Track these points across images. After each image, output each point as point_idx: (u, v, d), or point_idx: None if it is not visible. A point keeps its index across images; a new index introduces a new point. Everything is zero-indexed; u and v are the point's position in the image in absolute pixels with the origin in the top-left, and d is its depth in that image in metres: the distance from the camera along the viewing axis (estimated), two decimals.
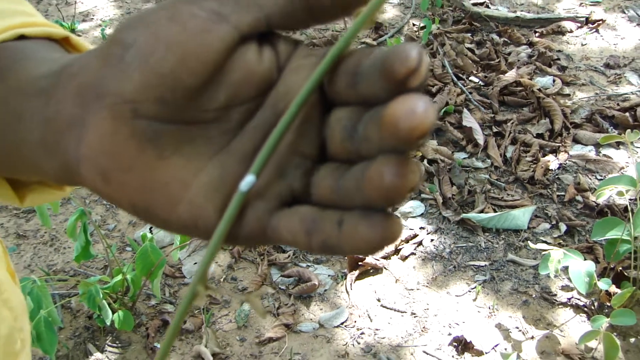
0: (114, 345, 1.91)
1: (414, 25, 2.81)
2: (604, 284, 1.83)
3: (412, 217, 2.23)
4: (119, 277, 1.84)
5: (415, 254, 2.13)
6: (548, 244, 2.05)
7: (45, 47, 0.45)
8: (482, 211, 2.19)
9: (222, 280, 2.08)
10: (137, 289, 1.91)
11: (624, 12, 2.98)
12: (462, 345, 1.86)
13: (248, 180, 0.33)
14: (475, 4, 2.87)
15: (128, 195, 0.36)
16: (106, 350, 1.89)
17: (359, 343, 1.88)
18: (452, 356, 1.85)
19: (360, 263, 2.07)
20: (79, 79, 0.36)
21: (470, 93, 2.51)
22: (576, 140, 2.46)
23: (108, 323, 1.80)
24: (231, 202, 0.34)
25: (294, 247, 0.40)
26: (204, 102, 0.35)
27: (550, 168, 2.28)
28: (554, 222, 2.18)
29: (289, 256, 2.09)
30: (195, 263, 2.12)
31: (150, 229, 2.24)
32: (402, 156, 0.30)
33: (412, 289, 2.02)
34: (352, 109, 0.33)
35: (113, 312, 1.82)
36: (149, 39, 0.34)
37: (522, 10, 2.86)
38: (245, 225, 0.35)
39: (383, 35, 2.77)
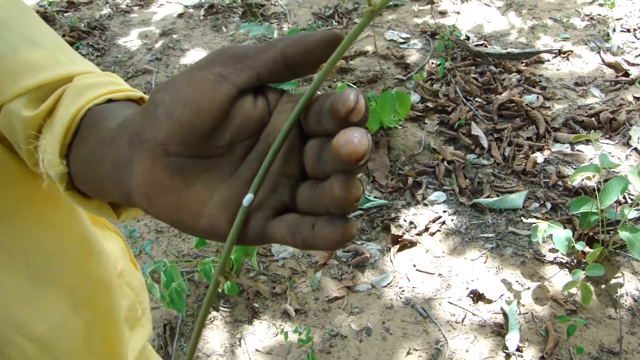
0: (225, 306, 2.11)
1: (432, 63, 2.99)
2: (579, 246, 1.99)
3: (437, 203, 2.37)
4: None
5: (440, 230, 2.28)
6: (537, 218, 2.20)
7: (123, 106, 0.46)
8: (488, 196, 2.33)
9: (300, 256, 2.24)
10: (239, 265, 2.09)
11: (587, 44, 3.14)
12: (476, 296, 2.02)
13: (248, 198, 0.36)
14: (477, 45, 3.04)
15: (165, 213, 0.39)
16: (220, 310, 2.09)
17: (400, 298, 2.05)
18: (470, 304, 2.01)
19: (399, 239, 2.22)
20: (129, 129, 0.40)
21: (476, 110, 2.68)
22: (556, 140, 2.58)
23: (220, 290, 1.98)
24: (238, 215, 0.36)
25: (286, 245, 0.40)
26: (215, 141, 0.38)
27: (537, 162, 2.43)
28: (541, 202, 2.31)
29: None
30: (281, 245, 2.23)
31: None
32: (350, 175, 0.33)
33: (439, 257, 2.19)
34: (319, 140, 0.36)
35: None
36: (172, 99, 0.37)
37: (511, 47, 3.04)
38: (250, 231, 0.38)
39: (410, 72, 2.95)
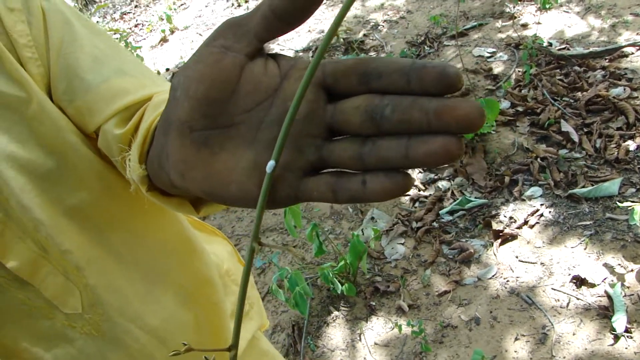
0: (345, 305, 2.09)
1: (518, 71, 2.85)
2: None
3: (533, 198, 2.23)
4: (342, 262, 2.03)
5: (538, 222, 2.14)
6: (634, 202, 2.01)
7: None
8: (583, 187, 2.17)
9: (410, 257, 2.17)
10: (354, 268, 2.07)
11: None
12: (579, 281, 1.88)
13: (270, 164, 0.33)
14: (559, 49, 2.86)
15: (197, 185, 0.38)
16: (340, 309, 2.08)
17: (505, 288, 1.95)
18: (573, 290, 1.88)
19: (501, 234, 2.11)
20: (162, 118, 0.40)
21: (564, 108, 2.50)
22: None
23: (339, 292, 1.96)
24: (264, 181, 0.34)
25: (321, 202, 0.38)
26: (232, 109, 0.36)
27: (630, 149, 2.22)
28: (638, 187, 2.11)
29: (451, 236, 2.19)
30: (393, 248, 2.24)
31: (361, 230, 2.46)
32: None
33: (539, 247, 2.06)
34: (367, 97, 0.33)
35: (341, 285, 1.98)
36: (186, 78, 0.36)
37: (593, 47, 2.82)
38: (281, 192, 0.35)
39: (499, 82, 2.82)
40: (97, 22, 6.09)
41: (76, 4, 6.19)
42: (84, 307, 0.56)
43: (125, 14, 6.28)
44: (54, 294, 0.54)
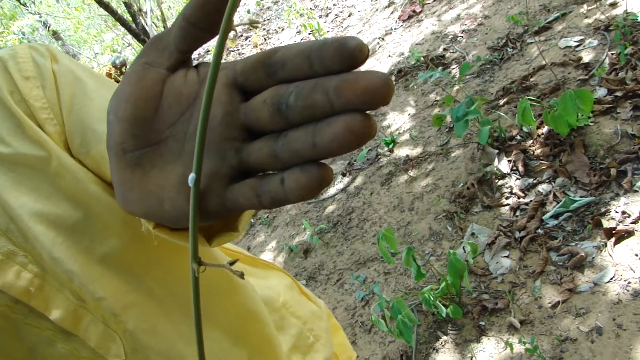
0: (453, 329, 1.98)
1: (612, 54, 2.63)
2: None
3: None
4: (443, 283, 1.94)
5: None
6: None
7: None
8: None
9: (517, 269, 2.02)
10: (457, 288, 1.96)
11: None
12: None
13: (191, 177, 0.32)
14: None
15: (136, 207, 0.37)
16: (449, 333, 1.97)
17: (627, 290, 1.75)
18: None
19: (614, 232, 1.91)
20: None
21: None
22: None
23: (444, 315, 1.86)
24: (191, 195, 0.33)
25: (251, 209, 0.34)
26: (158, 126, 0.36)
27: None
28: None
29: (559, 241, 2.02)
30: (497, 262, 2.11)
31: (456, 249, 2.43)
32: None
33: None
34: (274, 89, 0.32)
35: (446, 307, 1.89)
36: (115, 101, 0.36)
37: None
38: (209, 203, 0.34)
39: (591, 70, 2.61)
40: None
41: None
42: (127, 353, 0.56)
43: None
44: (97, 343, 0.54)
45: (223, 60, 0.39)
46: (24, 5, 9.99)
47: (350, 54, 0.28)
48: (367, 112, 0.29)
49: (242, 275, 0.33)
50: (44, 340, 0.52)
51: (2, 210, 0.50)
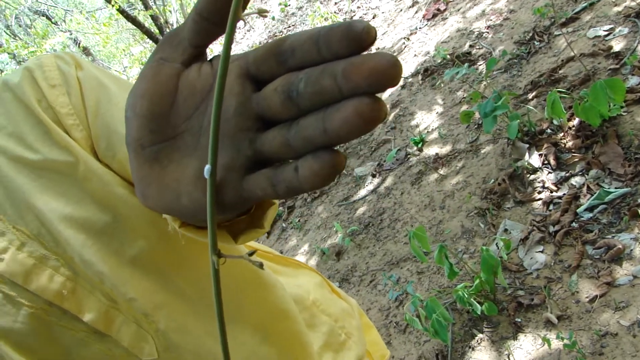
0: (489, 326, 1.95)
1: None
2: None
3: None
4: (477, 280, 1.91)
5: None
6: None
7: None
8: None
9: (552, 264, 1.99)
10: (491, 285, 1.93)
11: None
12: None
13: (206, 169, 0.32)
14: None
15: (155, 202, 0.38)
16: (484, 331, 1.94)
17: None
18: None
19: None
20: None
21: None
22: None
23: (479, 312, 1.83)
24: (207, 187, 0.33)
25: (267, 199, 0.34)
26: (174, 120, 0.36)
27: None
28: None
29: (594, 234, 1.97)
30: (531, 257, 2.07)
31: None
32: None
33: None
34: (285, 77, 0.32)
35: (481, 305, 1.86)
36: (132, 97, 0.37)
37: None
38: (226, 195, 0.34)
39: (622, 59, 2.56)
40: None
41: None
42: (159, 352, 0.57)
43: None
44: (130, 343, 0.55)
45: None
46: (55, 24, 10.25)
47: (356, 36, 0.28)
48: (377, 95, 0.28)
49: (261, 266, 0.33)
50: (78, 342, 0.53)
51: (33, 216, 0.51)
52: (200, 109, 0.36)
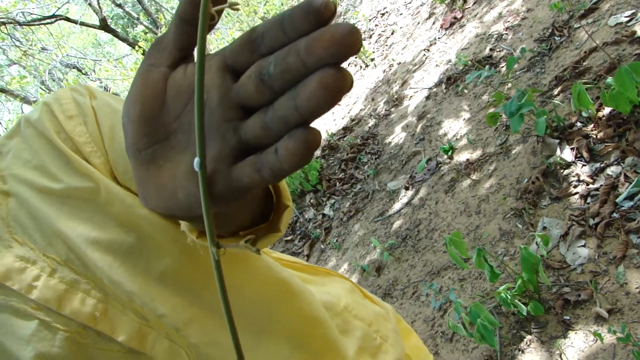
0: (536, 327, 1.90)
1: None
2: None
3: None
4: (519, 281, 1.88)
5: None
6: None
7: None
8: None
9: (596, 257, 1.93)
10: (534, 284, 1.89)
11: None
12: None
13: (195, 162, 0.33)
14: None
15: (154, 203, 0.39)
16: (533, 332, 1.90)
17: None
18: None
19: None
20: None
21: None
22: None
23: (525, 313, 1.79)
24: (199, 180, 0.34)
25: (256, 187, 0.33)
26: (166, 121, 0.38)
27: None
28: None
29: (637, 222, 1.91)
30: (574, 253, 2.02)
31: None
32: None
33: None
34: (257, 63, 0.33)
35: (526, 306, 1.83)
36: (126, 104, 0.39)
37: None
38: (217, 186, 0.35)
39: None
40: None
41: None
42: None
43: None
44: (164, 358, 0.56)
45: None
46: (86, 74, 10.57)
47: (316, 11, 0.29)
48: (341, 65, 0.29)
49: (258, 252, 0.35)
50: None
51: (61, 242, 0.53)
52: (188, 107, 0.37)
